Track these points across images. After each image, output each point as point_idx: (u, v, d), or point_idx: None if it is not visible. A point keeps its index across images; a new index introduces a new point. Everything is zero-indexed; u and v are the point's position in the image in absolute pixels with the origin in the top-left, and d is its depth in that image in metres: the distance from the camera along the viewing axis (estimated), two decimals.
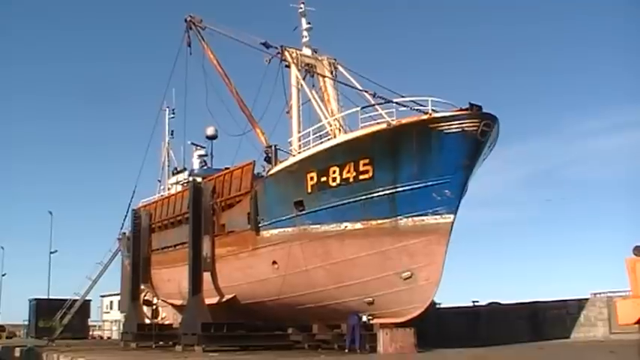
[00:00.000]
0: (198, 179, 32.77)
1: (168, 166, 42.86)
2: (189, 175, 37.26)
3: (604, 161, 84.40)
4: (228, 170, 31.18)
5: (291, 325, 29.34)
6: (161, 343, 32.08)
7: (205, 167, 37.80)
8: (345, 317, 24.92)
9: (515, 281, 74.59)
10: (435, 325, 30.78)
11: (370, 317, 24.73)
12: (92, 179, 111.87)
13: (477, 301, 35.64)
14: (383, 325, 23.88)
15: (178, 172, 40.31)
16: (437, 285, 23.08)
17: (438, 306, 33.67)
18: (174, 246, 33.96)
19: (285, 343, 28.40)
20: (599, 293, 31.07)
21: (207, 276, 29.70)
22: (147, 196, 40.30)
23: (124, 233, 40.01)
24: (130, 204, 38.37)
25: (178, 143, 42.43)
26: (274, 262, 26.90)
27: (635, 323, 11.41)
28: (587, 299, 30.20)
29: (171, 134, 43.30)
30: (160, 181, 42.71)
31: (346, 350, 24.39)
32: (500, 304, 34.07)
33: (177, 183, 39.27)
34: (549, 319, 30.62)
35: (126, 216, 38.44)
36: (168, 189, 40.39)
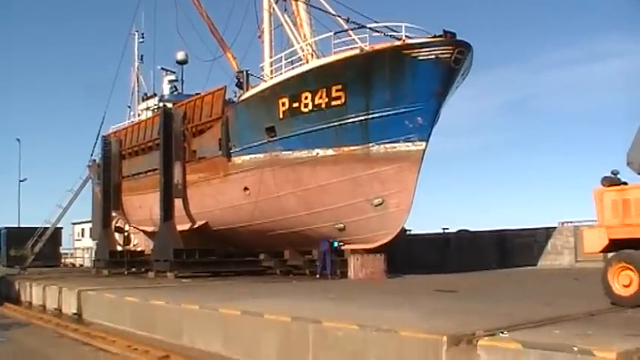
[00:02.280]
0: (169, 105, 32.53)
1: (138, 91, 42.22)
2: (160, 100, 36.80)
3: (580, 91, 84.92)
4: (199, 96, 31.03)
5: (262, 252, 30.08)
6: (133, 269, 32.51)
7: (176, 93, 37.34)
8: (317, 243, 25.66)
9: (485, 209, 76.29)
10: (405, 252, 31.71)
11: (341, 243, 25.49)
12: (61, 105, 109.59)
13: (447, 229, 36.71)
14: (354, 251, 24.65)
15: (148, 98, 39.82)
16: (407, 212, 23.80)
17: (408, 233, 34.60)
18: (145, 172, 34.03)
19: (257, 269, 29.18)
20: (567, 222, 32.04)
21: (178, 202, 30.07)
22: (117, 122, 40.00)
23: (94, 160, 39.82)
24: (99, 130, 38.16)
25: (148, 68, 41.71)
26: (246, 189, 27.33)
27: (600, 252, 11.85)
28: (554, 228, 31.23)
29: (141, 59, 42.41)
30: (129, 107, 42.28)
31: (317, 276, 25.21)
32: (469, 231, 35.08)
33: (147, 109, 38.91)
34: (517, 247, 31.72)
35: (96, 143, 38.24)
36: (139, 115, 40.01)
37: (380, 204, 23.75)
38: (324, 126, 24.13)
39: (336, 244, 25.44)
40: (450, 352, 7.85)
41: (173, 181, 29.84)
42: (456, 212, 76.43)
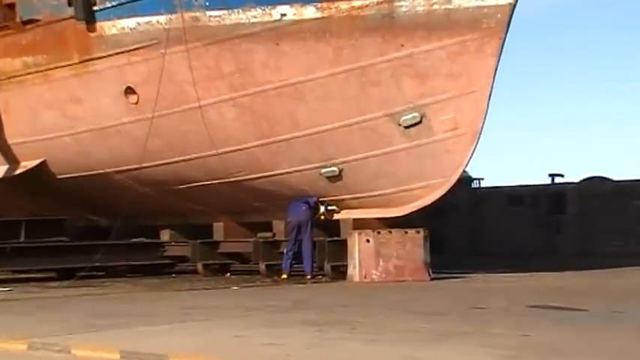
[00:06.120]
0: None
1: None
2: None
3: None
4: None
5: (168, 226, 30.79)
6: None
7: None
8: (281, 208, 26.19)
9: None
10: (470, 224, 32.19)
11: (334, 207, 26.09)
12: None
13: (560, 176, 37.37)
14: (360, 224, 25.24)
15: None
16: (474, 141, 24.14)
17: (475, 185, 34.87)
18: None
19: (157, 263, 29.76)
20: None
21: None
22: None
23: None
24: None
25: None
26: (129, 91, 27.46)
27: None
28: None
29: None
30: None
31: (284, 275, 25.87)
32: (609, 181, 35.77)
33: None
34: None
35: None
36: None
37: (415, 124, 24.12)
38: None
39: (322, 208, 25.95)
40: None
41: None
42: (578, 143, 76.61)
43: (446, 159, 24.25)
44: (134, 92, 27.38)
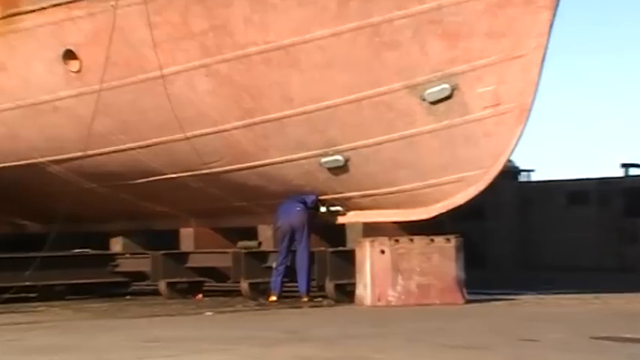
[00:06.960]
0: None
1: None
2: None
3: None
4: None
5: (121, 233, 30.73)
6: None
7: None
8: (270, 209, 26.06)
9: None
10: (518, 229, 32.06)
11: (337, 208, 25.94)
12: None
13: (637, 166, 37.39)
14: (372, 229, 25.00)
15: None
16: (523, 119, 23.82)
17: (523, 179, 34.79)
18: None
19: (106, 282, 29.74)
20: None
21: None
22: None
23: None
24: None
25: None
26: (70, 55, 27.16)
27: None
28: None
29: None
30: None
31: (272, 297, 25.74)
32: None
33: None
34: None
35: None
36: None
37: (444, 98, 23.80)
38: None
39: (323, 208, 25.90)
40: None
41: None
42: None
43: (485, 144, 24.00)
44: (75, 57, 27.10)
